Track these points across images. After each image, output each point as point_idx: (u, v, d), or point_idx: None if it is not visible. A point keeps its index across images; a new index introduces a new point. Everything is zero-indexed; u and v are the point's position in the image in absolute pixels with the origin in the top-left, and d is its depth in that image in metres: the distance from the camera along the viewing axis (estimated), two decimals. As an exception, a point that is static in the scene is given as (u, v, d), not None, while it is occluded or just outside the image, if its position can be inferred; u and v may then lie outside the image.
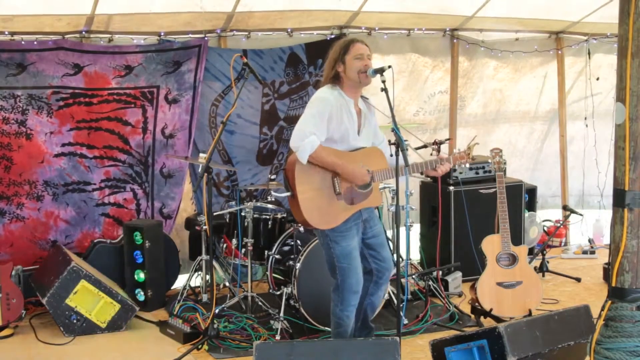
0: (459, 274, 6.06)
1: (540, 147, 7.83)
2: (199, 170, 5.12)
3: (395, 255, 4.43)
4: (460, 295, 5.91)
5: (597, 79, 7.59)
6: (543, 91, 7.64)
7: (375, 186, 4.42)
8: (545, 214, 7.53)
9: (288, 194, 4.29)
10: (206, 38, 6.11)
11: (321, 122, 4.19)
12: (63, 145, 5.85)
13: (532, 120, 7.73)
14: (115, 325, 5.30)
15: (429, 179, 6.42)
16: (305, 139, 4.13)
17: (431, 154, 5.60)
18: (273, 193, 5.66)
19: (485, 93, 7.42)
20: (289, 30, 6.39)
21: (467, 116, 7.36)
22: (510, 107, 7.58)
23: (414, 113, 7.09)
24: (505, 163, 6.04)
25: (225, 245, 5.74)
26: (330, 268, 4.43)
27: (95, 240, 5.93)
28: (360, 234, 4.42)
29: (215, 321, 4.93)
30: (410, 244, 5.79)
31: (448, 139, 5.97)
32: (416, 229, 6.52)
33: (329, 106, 4.22)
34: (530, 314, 5.11)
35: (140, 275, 5.75)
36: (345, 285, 4.34)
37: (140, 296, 5.75)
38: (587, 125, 7.58)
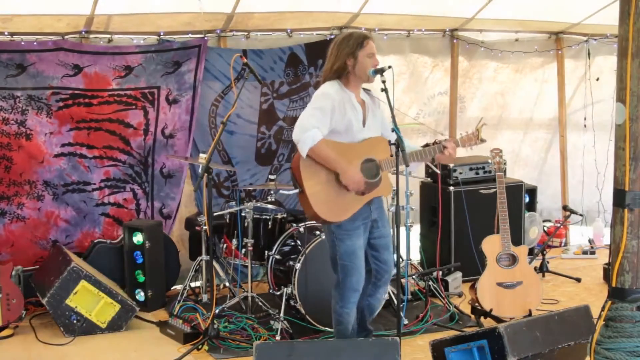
0: (459, 274, 6.06)
1: (545, 157, 7.79)
2: (199, 170, 5.12)
3: (395, 255, 4.43)
4: (460, 295, 5.91)
5: (597, 79, 7.59)
6: (545, 97, 7.61)
7: (384, 175, 4.38)
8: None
9: (296, 190, 4.28)
10: (206, 38, 6.11)
11: (323, 116, 4.17)
12: (63, 145, 5.85)
13: (536, 129, 7.68)
14: (115, 325, 5.29)
15: (429, 179, 6.42)
16: (307, 132, 4.11)
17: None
18: (281, 191, 5.64)
19: (485, 95, 7.40)
20: (288, 30, 6.40)
21: (467, 119, 7.32)
22: (513, 113, 7.54)
23: (414, 116, 7.06)
24: (505, 163, 6.04)
25: (225, 246, 5.74)
26: (332, 264, 4.43)
27: (95, 241, 5.93)
28: (367, 232, 4.40)
29: (215, 321, 4.92)
30: (410, 244, 5.80)
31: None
32: (416, 229, 6.52)
33: (331, 100, 4.21)
34: (530, 314, 5.11)
35: (140, 276, 5.75)
36: (346, 283, 4.34)
37: (140, 296, 5.75)
38: (585, 125, 7.60)
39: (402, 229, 5.48)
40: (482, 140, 4.46)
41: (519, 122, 7.62)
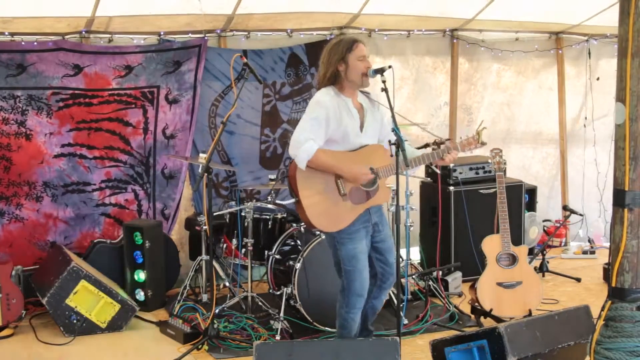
0: (459, 274, 6.06)
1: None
2: (199, 170, 5.11)
3: (395, 255, 4.43)
4: (460, 295, 5.91)
5: (598, 78, 7.59)
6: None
7: (381, 183, 4.37)
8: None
9: (292, 200, 4.28)
10: (206, 38, 6.12)
11: (318, 127, 4.16)
12: (63, 146, 5.84)
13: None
14: (115, 325, 5.29)
15: (429, 179, 6.42)
16: (302, 146, 4.11)
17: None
18: (277, 201, 5.66)
19: (492, 105, 7.35)
20: (288, 30, 6.40)
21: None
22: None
23: (421, 129, 7.00)
24: (505, 163, 6.04)
25: (225, 246, 5.74)
26: (337, 269, 4.44)
27: (95, 240, 5.92)
28: (369, 236, 4.40)
29: (215, 321, 4.93)
30: (410, 244, 5.80)
31: (448, 139, 5.94)
32: (416, 229, 6.53)
33: (325, 109, 4.19)
34: (530, 314, 5.11)
35: (140, 275, 5.75)
36: (351, 288, 4.34)
37: (140, 296, 5.75)
38: (585, 125, 7.61)
39: (402, 229, 5.48)
40: (483, 144, 4.49)
41: (528, 136, 7.55)
